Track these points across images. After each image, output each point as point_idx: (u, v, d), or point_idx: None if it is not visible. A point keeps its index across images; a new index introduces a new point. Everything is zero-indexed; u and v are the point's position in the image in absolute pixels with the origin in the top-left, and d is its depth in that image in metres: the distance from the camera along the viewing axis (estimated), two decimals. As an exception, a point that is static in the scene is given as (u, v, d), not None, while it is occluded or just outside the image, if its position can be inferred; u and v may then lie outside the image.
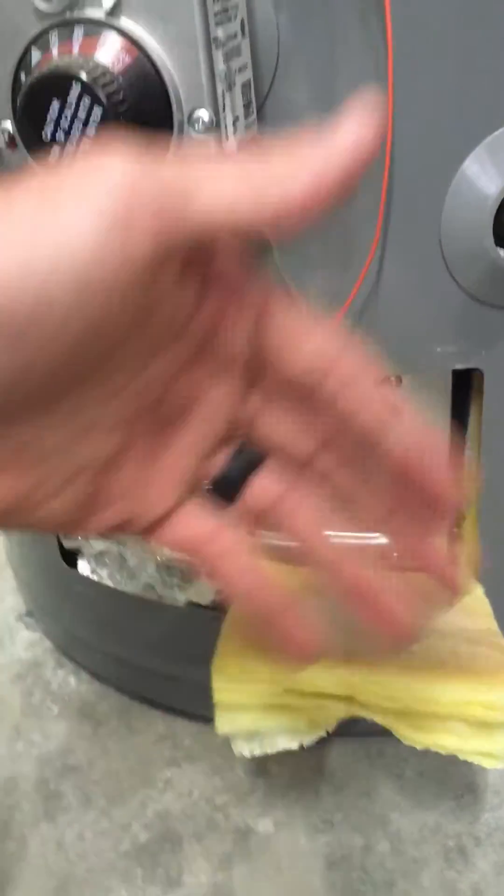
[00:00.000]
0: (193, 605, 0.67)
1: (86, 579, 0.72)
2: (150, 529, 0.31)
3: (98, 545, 0.70)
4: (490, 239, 0.50)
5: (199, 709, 0.73)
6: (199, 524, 0.32)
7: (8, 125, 0.41)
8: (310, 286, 0.51)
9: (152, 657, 0.72)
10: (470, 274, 0.51)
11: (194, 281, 0.28)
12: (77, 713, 0.75)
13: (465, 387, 0.59)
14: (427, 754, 0.66)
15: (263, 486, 0.32)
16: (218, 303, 0.29)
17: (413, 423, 0.31)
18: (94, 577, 0.72)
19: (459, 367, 0.55)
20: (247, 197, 0.25)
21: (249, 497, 0.32)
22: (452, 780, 0.66)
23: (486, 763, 0.49)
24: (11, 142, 0.42)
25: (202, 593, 0.66)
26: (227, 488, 0.32)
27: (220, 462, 0.32)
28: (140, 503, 0.30)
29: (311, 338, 0.30)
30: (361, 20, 0.45)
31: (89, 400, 0.27)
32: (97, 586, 0.71)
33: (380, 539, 0.64)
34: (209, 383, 0.30)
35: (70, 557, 0.73)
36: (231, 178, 0.25)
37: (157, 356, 0.28)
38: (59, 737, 0.73)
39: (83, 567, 0.73)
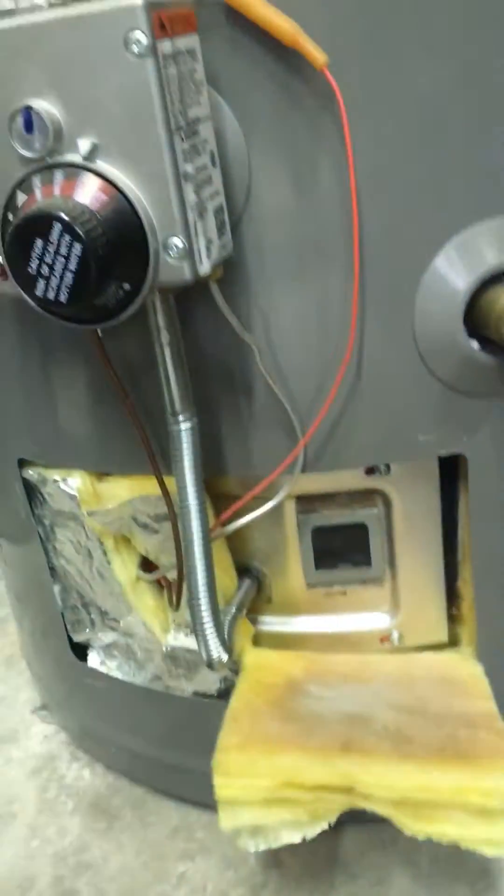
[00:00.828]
0: (200, 695, 0.68)
1: (95, 672, 0.73)
2: None
3: (106, 637, 0.71)
4: (462, 332, 0.52)
5: (210, 798, 0.73)
6: None
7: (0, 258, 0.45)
8: (294, 381, 0.54)
9: (163, 748, 0.73)
10: (445, 365, 0.54)
11: None
12: (91, 808, 0.76)
13: (453, 471, 0.61)
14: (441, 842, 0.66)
15: None
16: None
17: None
18: (104, 669, 0.73)
19: (443, 453, 0.57)
20: None
21: None
22: (467, 866, 0.65)
23: (489, 851, 0.49)
24: (3, 272, 0.45)
25: (207, 682, 0.67)
26: None
27: None
28: None
29: None
30: (323, 139, 0.48)
31: None
32: (106, 678, 0.72)
33: (379, 623, 0.65)
34: None
35: (80, 650, 0.74)
36: None
37: None
38: (73, 833, 0.73)
39: (93, 659, 0.74)
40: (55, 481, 0.64)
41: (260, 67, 0.47)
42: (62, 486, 0.63)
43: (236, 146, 0.48)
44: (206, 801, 0.73)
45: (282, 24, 0.45)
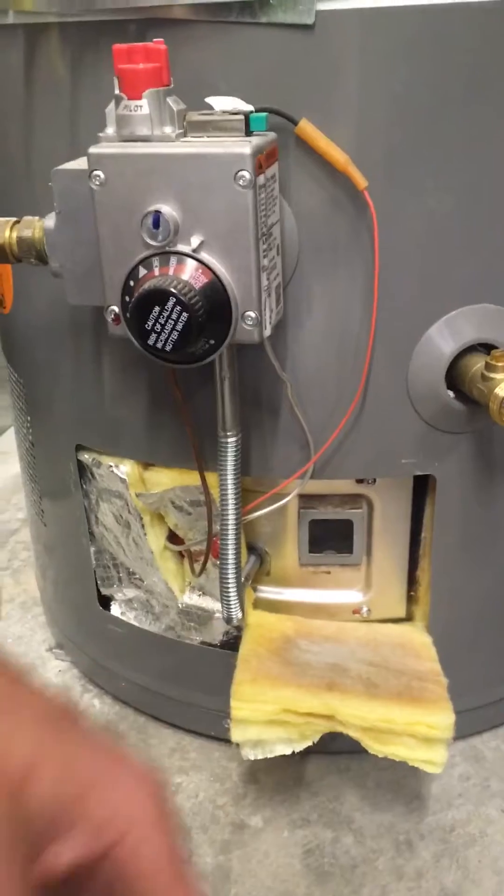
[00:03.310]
0: (206, 644, 0.85)
1: (117, 619, 0.89)
2: None
3: (129, 593, 0.88)
4: (443, 385, 0.69)
5: (203, 728, 0.90)
6: None
7: (115, 307, 0.60)
8: (312, 411, 0.70)
9: (168, 685, 0.90)
10: (427, 408, 0.71)
11: None
12: (102, 730, 0.92)
13: (423, 486, 0.78)
14: (385, 770, 0.84)
15: None
16: None
17: None
18: (124, 618, 0.89)
19: (418, 473, 0.74)
20: None
21: None
22: (404, 790, 0.84)
23: (429, 769, 0.67)
24: (116, 319, 0.61)
25: (213, 634, 0.84)
26: None
27: None
28: None
29: None
30: (357, 238, 0.64)
31: None
32: (127, 625, 0.89)
33: (354, 598, 0.82)
34: None
35: (104, 601, 0.90)
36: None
37: None
38: (88, 748, 0.90)
39: (115, 609, 0.90)
40: (109, 466, 0.79)
41: (315, 181, 0.63)
42: (114, 470, 0.79)
43: (291, 236, 0.64)
44: (199, 729, 0.90)
45: (336, 154, 0.61)
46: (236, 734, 0.68)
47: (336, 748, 0.81)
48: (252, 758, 0.69)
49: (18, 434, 0.97)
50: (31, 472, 0.95)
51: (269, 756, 0.69)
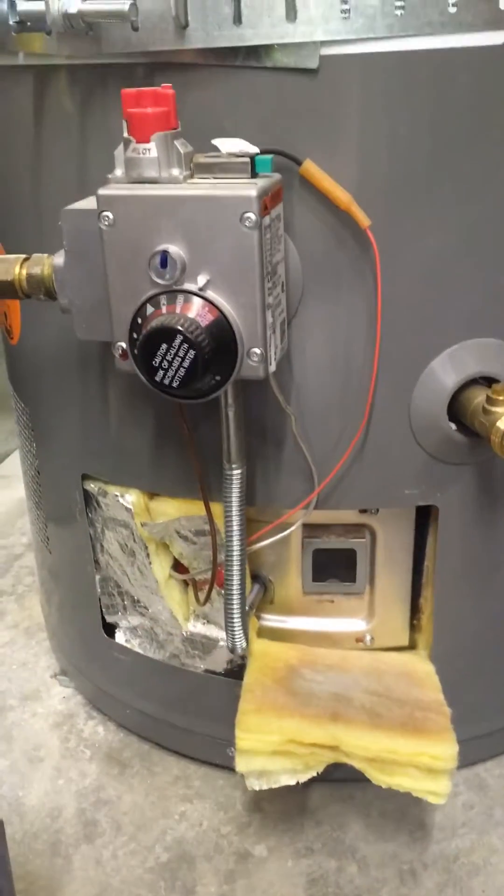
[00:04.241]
0: (210, 672, 0.85)
1: (123, 647, 0.90)
2: None
3: (133, 620, 0.88)
4: (445, 417, 0.70)
5: (207, 756, 0.90)
6: None
7: (123, 343, 0.61)
8: (316, 443, 0.71)
9: (171, 712, 0.90)
10: (429, 440, 0.71)
11: None
12: (106, 757, 0.93)
13: (426, 515, 0.79)
14: (388, 798, 0.85)
15: None
16: None
17: None
18: (128, 646, 0.90)
19: (421, 503, 0.75)
20: None
21: None
22: (407, 819, 0.84)
23: (433, 799, 0.68)
24: (124, 354, 0.62)
25: (217, 663, 0.84)
26: None
27: None
28: None
29: None
30: (360, 274, 0.65)
31: None
32: (132, 653, 0.89)
33: (357, 627, 0.83)
34: None
35: (108, 629, 0.91)
36: None
37: None
38: (92, 775, 0.90)
39: (119, 637, 0.90)
40: (114, 495, 0.80)
41: (319, 220, 0.64)
42: (120, 499, 0.80)
43: (295, 272, 0.65)
44: (203, 757, 0.90)
45: (340, 193, 0.62)
46: (241, 764, 0.69)
47: (339, 776, 0.81)
48: (257, 788, 0.70)
49: (24, 461, 0.97)
50: (36, 500, 0.95)
51: (274, 787, 0.70)
